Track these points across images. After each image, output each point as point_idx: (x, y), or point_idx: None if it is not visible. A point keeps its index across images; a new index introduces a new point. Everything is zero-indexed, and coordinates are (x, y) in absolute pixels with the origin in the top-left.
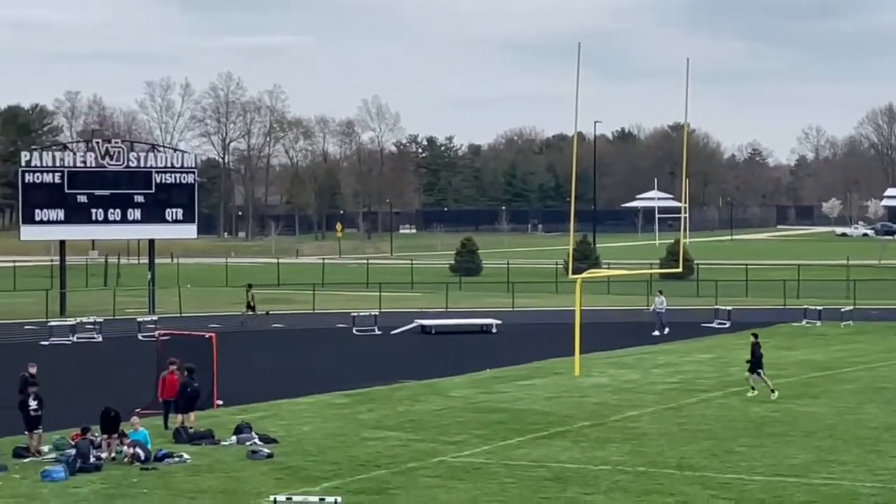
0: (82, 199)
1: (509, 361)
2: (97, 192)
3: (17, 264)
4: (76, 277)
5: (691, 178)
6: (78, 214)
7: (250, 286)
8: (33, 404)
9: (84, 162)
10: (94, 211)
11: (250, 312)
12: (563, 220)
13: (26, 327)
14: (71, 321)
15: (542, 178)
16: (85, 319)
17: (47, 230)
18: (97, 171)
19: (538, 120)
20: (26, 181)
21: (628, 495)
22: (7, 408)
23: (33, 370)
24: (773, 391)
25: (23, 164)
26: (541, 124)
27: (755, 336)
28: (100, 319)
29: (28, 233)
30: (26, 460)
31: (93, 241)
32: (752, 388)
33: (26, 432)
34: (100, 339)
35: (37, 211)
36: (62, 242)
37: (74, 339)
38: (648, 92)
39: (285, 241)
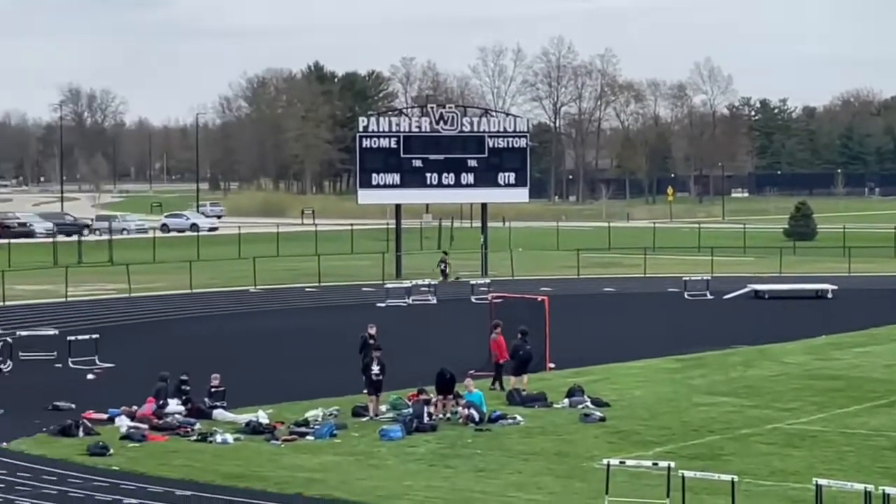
0: (417, 163)
1: (845, 328)
2: (431, 157)
3: (355, 227)
4: (411, 240)
5: None
6: (413, 178)
7: (446, 253)
8: (375, 369)
9: (419, 127)
10: (428, 175)
11: (442, 279)
12: None
13: (364, 289)
14: (406, 283)
15: (880, 141)
16: (420, 282)
17: (383, 194)
18: (432, 136)
19: (876, 81)
20: (363, 146)
21: None
22: (346, 366)
23: (372, 331)
24: None
25: (360, 129)
26: (879, 85)
27: None
28: (434, 282)
29: (365, 196)
30: (365, 419)
31: (427, 204)
32: None
33: (365, 392)
34: (434, 301)
35: (373, 175)
36: (398, 206)
37: (410, 302)
38: None
39: (616, 204)
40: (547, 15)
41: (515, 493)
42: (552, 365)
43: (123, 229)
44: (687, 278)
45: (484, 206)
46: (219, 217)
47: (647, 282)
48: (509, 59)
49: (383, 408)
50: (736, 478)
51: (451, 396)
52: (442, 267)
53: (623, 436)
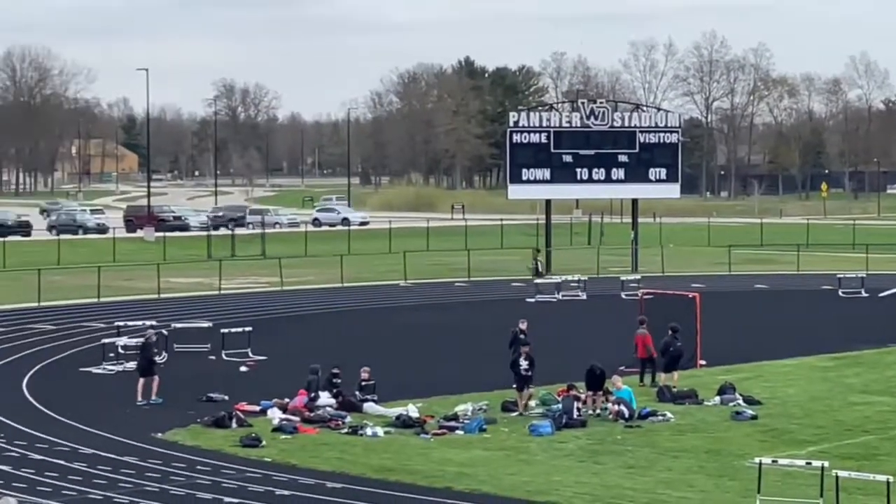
0: (567, 158)
1: None
2: (582, 152)
3: (504, 222)
4: (560, 236)
5: None
6: (563, 174)
7: (538, 250)
8: (524, 364)
9: (569, 122)
10: (578, 170)
11: (536, 276)
12: None
13: (513, 284)
14: (556, 279)
15: None
16: (569, 277)
17: (533, 189)
18: (582, 131)
19: None
20: (514, 141)
21: None
22: (496, 361)
23: (523, 325)
24: None
25: (510, 124)
26: None
27: None
28: (584, 278)
29: (515, 192)
30: (514, 414)
31: (577, 200)
32: None
33: (514, 387)
34: (584, 297)
35: (523, 170)
36: (548, 201)
37: (559, 297)
38: None
39: (768, 200)
40: (699, 9)
41: (666, 491)
42: (703, 362)
43: (276, 223)
44: (841, 276)
45: (634, 201)
46: None
47: (801, 279)
48: (661, 53)
49: (532, 403)
50: (891, 478)
51: (600, 392)
52: (534, 264)
53: (775, 434)
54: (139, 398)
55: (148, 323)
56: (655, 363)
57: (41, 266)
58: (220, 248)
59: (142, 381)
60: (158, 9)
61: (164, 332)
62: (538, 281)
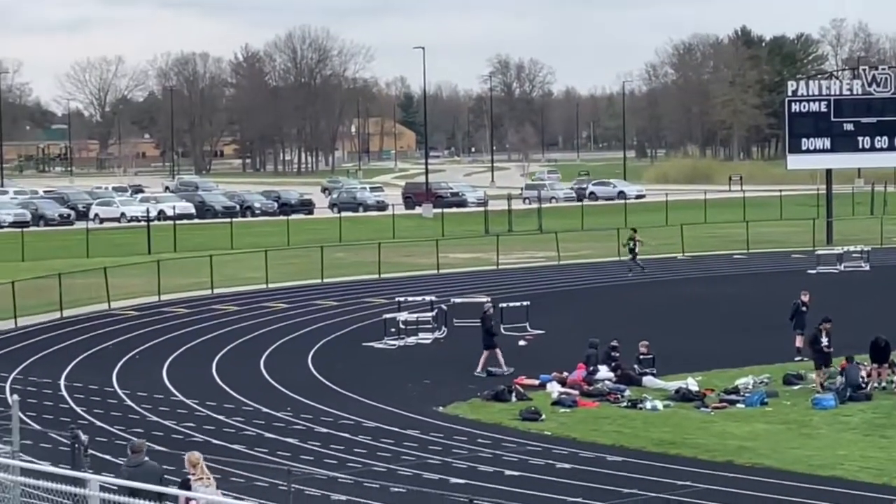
0: (848, 127)
1: None
2: (863, 120)
3: (783, 193)
4: (842, 206)
5: None
6: (843, 143)
7: (634, 230)
8: (824, 341)
9: (850, 90)
10: (859, 139)
11: (632, 258)
12: None
13: (793, 255)
14: (838, 250)
15: None
16: (852, 248)
17: (813, 159)
18: (863, 99)
19: None
20: (792, 110)
21: None
22: (776, 334)
23: (805, 298)
24: None
25: (788, 93)
26: None
27: None
28: (867, 248)
29: (794, 162)
30: (796, 387)
31: (858, 169)
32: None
33: (799, 359)
34: (867, 268)
35: (802, 140)
36: (828, 171)
37: (841, 268)
38: None
39: None
40: None
41: None
42: None
43: (552, 198)
44: None
45: None
46: None
47: None
48: None
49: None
50: None
51: (886, 365)
52: (631, 245)
53: None
54: (478, 369)
55: (428, 298)
56: None
57: (324, 243)
58: (497, 223)
59: (486, 353)
60: None
61: (444, 307)
62: (819, 252)
